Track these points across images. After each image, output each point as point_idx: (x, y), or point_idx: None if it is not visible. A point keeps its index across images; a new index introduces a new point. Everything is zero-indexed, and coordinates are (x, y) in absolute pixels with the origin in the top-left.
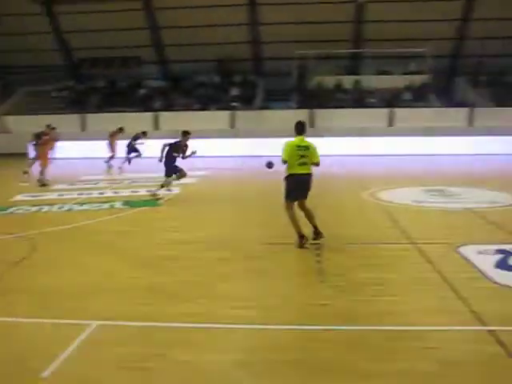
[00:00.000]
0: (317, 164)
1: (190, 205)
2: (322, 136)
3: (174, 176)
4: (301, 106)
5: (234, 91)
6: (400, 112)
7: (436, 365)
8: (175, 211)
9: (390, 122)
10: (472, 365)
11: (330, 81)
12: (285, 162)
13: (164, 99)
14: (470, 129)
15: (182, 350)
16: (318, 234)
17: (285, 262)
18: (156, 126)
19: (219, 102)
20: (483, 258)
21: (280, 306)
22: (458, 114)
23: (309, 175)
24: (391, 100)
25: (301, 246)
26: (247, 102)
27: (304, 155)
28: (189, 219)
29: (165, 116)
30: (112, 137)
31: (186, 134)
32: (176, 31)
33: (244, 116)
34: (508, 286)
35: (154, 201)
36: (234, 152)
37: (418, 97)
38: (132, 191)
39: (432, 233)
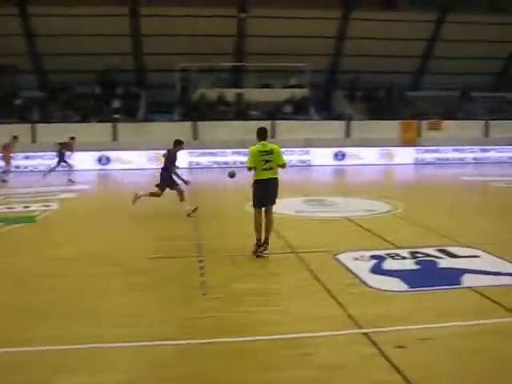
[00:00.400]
0: (282, 166)
1: (68, 220)
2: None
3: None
4: (184, 118)
5: (116, 103)
6: (281, 124)
7: (316, 370)
8: (53, 227)
9: (272, 134)
10: (349, 367)
11: (212, 93)
12: (250, 169)
13: (41, 110)
14: (347, 140)
15: (67, 375)
16: (264, 245)
17: (168, 276)
18: (33, 138)
19: (101, 113)
20: (359, 264)
21: (163, 322)
22: (336, 127)
23: (275, 179)
24: (273, 113)
25: (255, 253)
26: (130, 114)
27: (268, 160)
28: (68, 235)
29: (42, 128)
30: (6, 148)
31: (178, 144)
32: (54, 40)
33: (126, 128)
34: (382, 290)
35: (30, 217)
36: (116, 165)
37: (298, 110)
38: (7, 207)
39: (312, 241)
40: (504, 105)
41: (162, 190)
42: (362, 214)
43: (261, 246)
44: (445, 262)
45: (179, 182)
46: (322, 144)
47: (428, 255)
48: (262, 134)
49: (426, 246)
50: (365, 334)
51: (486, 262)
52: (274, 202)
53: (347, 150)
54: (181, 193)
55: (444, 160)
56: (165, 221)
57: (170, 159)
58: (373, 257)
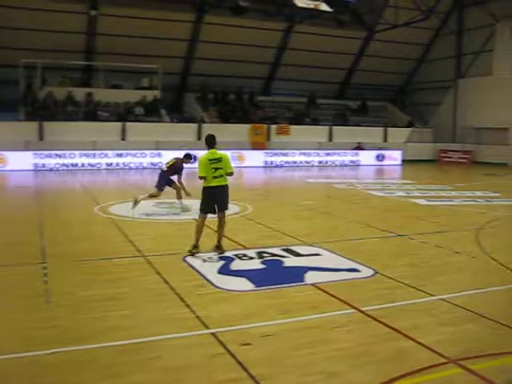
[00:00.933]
0: (230, 174)
1: None
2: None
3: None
4: (29, 117)
5: None
6: (132, 126)
7: (162, 373)
8: None
9: (123, 136)
10: (196, 368)
11: (60, 92)
12: (201, 177)
13: None
14: (198, 143)
15: None
16: (219, 247)
17: (8, 285)
18: None
19: None
20: (208, 266)
21: (3, 334)
22: (188, 129)
23: (224, 186)
24: (124, 114)
25: (191, 252)
26: None
27: (218, 167)
28: None
29: None
30: None
31: (189, 158)
32: None
33: None
34: (228, 290)
35: None
36: None
37: (149, 112)
38: None
39: (162, 245)
40: (346, 111)
41: (161, 190)
42: (212, 216)
43: (197, 248)
44: (289, 261)
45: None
46: (174, 146)
47: (274, 255)
48: (210, 142)
49: (273, 245)
50: (212, 334)
51: (327, 259)
52: (226, 208)
53: (199, 153)
54: (178, 190)
55: (291, 163)
56: (7, 226)
57: (176, 167)
58: (221, 258)
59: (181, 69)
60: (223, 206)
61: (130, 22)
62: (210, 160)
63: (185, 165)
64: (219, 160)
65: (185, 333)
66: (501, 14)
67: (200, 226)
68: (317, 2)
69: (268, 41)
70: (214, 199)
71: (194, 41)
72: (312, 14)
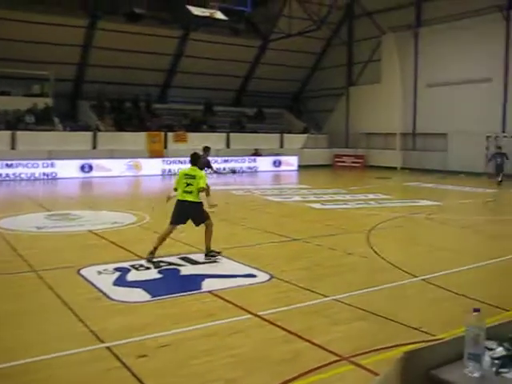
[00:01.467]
0: (201, 190)
1: None
2: None
3: None
4: None
5: None
6: (23, 135)
7: None
8: None
9: (13, 145)
10: (96, 383)
11: None
12: (175, 189)
13: None
14: (94, 151)
15: None
16: (208, 252)
17: None
18: None
19: None
20: (103, 278)
21: None
22: (83, 138)
23: (190, 202)
24: (13, 122)
25: (148, 256)
26: None
27: (189, 183)
28: None
29: None
30: None
31: (206, 150)
32: None
33: None
34: (124, 302)
35: None
36: None
37: (41, 120)
38: None
39: (54, 258)
40: (243, 118)
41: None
42: (108, 226)
43: (152, 254)
44: (187, 269)
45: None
46: (68, 156)
47: (171, 264)
48: (193, 160)
49: (170, 254)
50: (107, 348)
51: (224, 266)
52: (199, 222)
53: (94, 162)
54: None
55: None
56: None
57: (204, 163)
58: (117, 269)
59: (74, 76)
60: (196, 221)
61: (18, 26)
62: (185, 175)
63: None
64: (193, 177)
65: (79, 349)
66: (386, 25)
67: (162, 235)
68: (212, 11)
69: (164, 48)
70: (180, 212)
71: (88, 47)
72: (207, 22)
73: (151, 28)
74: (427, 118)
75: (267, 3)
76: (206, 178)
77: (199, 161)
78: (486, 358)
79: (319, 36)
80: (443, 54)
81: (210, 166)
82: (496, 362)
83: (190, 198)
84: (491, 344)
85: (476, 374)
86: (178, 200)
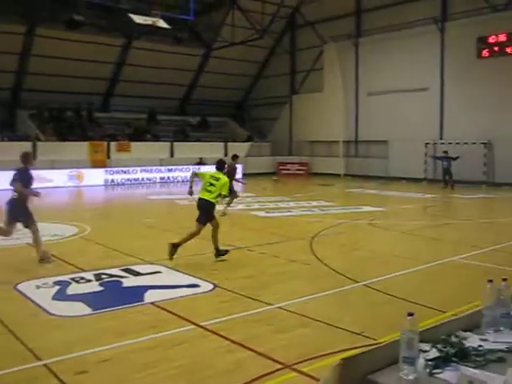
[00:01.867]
0: (222, 196)
1: None
2: None
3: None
4: None
5: None
6: None
7: None
8: None
9: None
10: None
11: None
12: (195, 175)
13: None
14: (34, 162)
15: None
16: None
17: None
18: None
19: None
20: (42, 292)
21: None
22: (21, 148)
23: (206, 200)
24: None
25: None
26: None
27: (212, 184)
28: None
29: None
30: None
31: (235, 158)
32: None
33: None
34: (64, 316)
35: None
36: None
37: None
38: None
39: None
40: (187, 127)
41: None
42: (48, 239)
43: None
44: (129, 281)
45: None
46: (5, 167)
47: (113, 275)
48: (219, 165)
49: (112, 266)
50: (45, 365)
51: (167, 276)
52: (205, 220)
53: (34, 173)
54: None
55: (133, 180)
56: None
57: (232, 169)
58: (56, 283)
59: (12, 84)
60: (200, 218)
61: None
62: (211, 176)
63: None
64: (216, 179)
65: (14, 368)
66: (328, 35)
67: (189, 233)
68: (154, 19)
69: (106, 56)
70: (199, 208)
71: (26, 55)
72: (150, 31)
73: (92, 36)
74: (369, 126)
75: (210, 12)
76: (227, 184)
77: (224, 166)
78: (421, 360)
79: (262, 45)
80: (382, 63)
81: (233, 174)
82: (430, 363)
83: (207, 196)
84: (425, 346)
85: (410, 377)
86: (198, 198)
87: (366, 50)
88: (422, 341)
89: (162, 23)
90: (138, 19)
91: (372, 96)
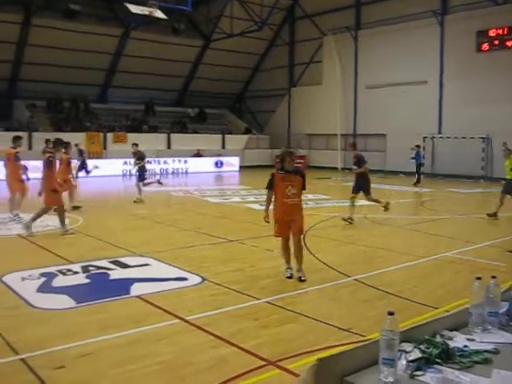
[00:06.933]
0: None
1: None
2: None
3: None
4: None
5: None
6: None
7: None
8: None
9: None
10: None
11: None
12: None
13: None
14: (30, 152)
15: None
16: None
17: None
18: None
19: None
20: (26, 284)
21: None
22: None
23: None
24: None
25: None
26: None
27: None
28: None
29: None
30: None
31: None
32: None
33: None
34: (47, 309)
35: None
36: None
37: None
38: None
39: None
40: (185, 119)
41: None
42: (39, 230)
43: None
44: (116, 273)
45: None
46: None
47: (100, 267)
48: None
49: (101, 258)
50: (22, 359)
51: (156, 269)
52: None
53: (30, 163)
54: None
55: (130, 171)
56: None
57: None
58: (43, 274)
59: (9, 74)
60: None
61: None
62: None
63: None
64: None
65: None
66: (327, 27)
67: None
68: (152, 9)
69: (103, 46)
70: None
71: (23, 44)
72: (147, 21)
73: (89, 26)
74: (367, 119)
75: (208, 3)
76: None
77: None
78: (402, 362)
79: (261, 37)
80: (381, 56)
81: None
82: (411, 365)
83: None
84: (408, 346)
85: (390, 379)
86: None
87: (365, 42)
88: (404, 341)
89: (159, 13)
90: (135, 9)
91: (371, 89)
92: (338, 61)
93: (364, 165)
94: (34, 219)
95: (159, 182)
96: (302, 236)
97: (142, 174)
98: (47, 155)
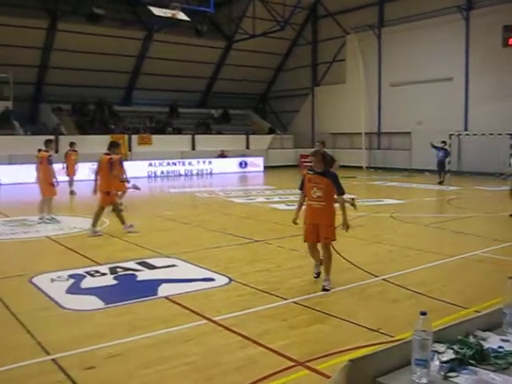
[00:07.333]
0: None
1: None
2: None
3: None
4: None
5: None
6: None
7: None
8: None
9: None
10: None
11: None
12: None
13: None
14: (56, 155)
15: None
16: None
17: None
18: None
19: None
20: (56, 286)
21: None
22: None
23: None
24: None
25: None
26: None
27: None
28: None
29: None
30: None
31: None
32: None
33: None
34: (76, 310)
35: None
36: None
37: (0, 123)
38: None
39: (7, 266)
40: (209, 120)
41: None
42: (67, 231)
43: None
44: (144, 275)
45: None
46: (29, 160)
47: (128, 269)
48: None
49: (128, 259)
50: (53, 360)
51: (182, 270)
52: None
53: (55, 167)
54: None
55: (155, 173)
56: None
57: None
58: (71, 276)
59: (35, 78)
60: None
61: None
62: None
63: None
64: None
65: (21, 362)
66: (349, 26)
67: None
68: (174, 11)
69: (127, 49)
70: None
71: (48, 49)
72: (170, 23)
73: (113, 29)
74: (391, 117)
75: (231, 4)
76: None
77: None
78: (435, 363)
79: (284, 36)
80: (405, 53)
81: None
82: (444, 366)
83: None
84: (440, 347)
85: (423, 380)
86: None
87: (389, 40)
88: (437, 341)
89: (182, 15)
90: (158, 12)
91: (395, 87)
92: (362, 59)
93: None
94: (95, 222)
95: (135, 187)
96: (329, 243)
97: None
98: (107, 157)
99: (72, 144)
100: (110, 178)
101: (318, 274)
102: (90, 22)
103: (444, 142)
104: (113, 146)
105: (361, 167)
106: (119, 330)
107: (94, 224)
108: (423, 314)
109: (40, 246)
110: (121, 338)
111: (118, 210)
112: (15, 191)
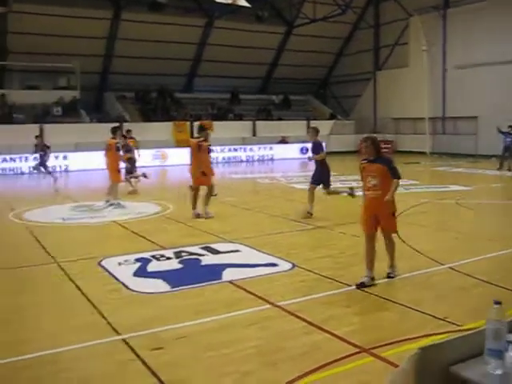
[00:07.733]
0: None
1: None
2: None
3: None
4: None
5: None
6: (50, 128)
7: None
8: None
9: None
10: (105, 376)
11: None
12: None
13: None
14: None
15: None
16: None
17: None
18: None
19: None
20: (123, 269)
21: None
22: (109, 129)
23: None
24: (41, 115)
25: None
26: None
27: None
28: None
29: None
30: None
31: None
32: None
33: None
34: (143, 293)
35: None
36: None
37: (68, 112)
38: None
39: (77, 250)
40: (270, 106)
41: None
42: (132, 216)
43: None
44: (208, 259)
45: None
46: (94, 147)
47: (192, 253)
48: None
49: (192, 244)
50: (123, 340)
51: (246, 255)
52: None
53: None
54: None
55: (217, 159)
56: None
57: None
58: (138, 260)
59: (100, 68)
60: None
61: (43, 20)
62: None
63: None
64: None
65: (94, 341)
66: (413, 8)
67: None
68: None
69: (188, 37)
70: None
71: (113, 38)
72: (231, 10)
73: (174, 17)
74: (457, 101)
75: None
76: None
77: None
78: (510, 353)
79: (345, 20)
80: (472, 35)
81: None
82: None
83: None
84: None
85: (499, 371)
86: None
87: (454, 21)
88: (510, 332)
89: (242, 1)
90: None
91: (461, 69)
92: (426, 41)
93: (322, 152)
94: (206, 204)
95: (144, 176)
96: (391, 234)
97: (130, 167)
98: (205, 144)
99: (128, 131)
100: (201, 160)
101: (363, 284)
102: (152, 11)
103: (511, 126)
104: (201, 129)
105: (424, 153)
106: (185, 313)
107: (207, 203)
108: (497, 303)
109: (107, 231)
110: (187, 321)
111: (210, 195)
112: (82, 177)
